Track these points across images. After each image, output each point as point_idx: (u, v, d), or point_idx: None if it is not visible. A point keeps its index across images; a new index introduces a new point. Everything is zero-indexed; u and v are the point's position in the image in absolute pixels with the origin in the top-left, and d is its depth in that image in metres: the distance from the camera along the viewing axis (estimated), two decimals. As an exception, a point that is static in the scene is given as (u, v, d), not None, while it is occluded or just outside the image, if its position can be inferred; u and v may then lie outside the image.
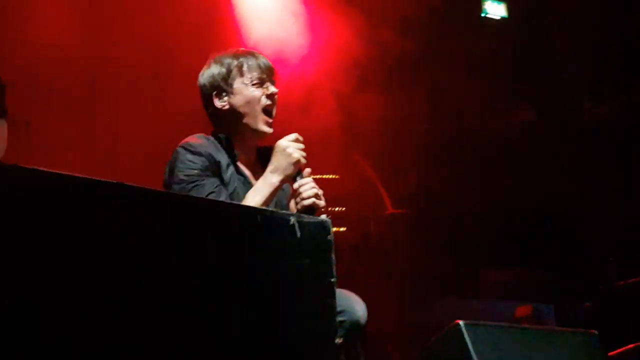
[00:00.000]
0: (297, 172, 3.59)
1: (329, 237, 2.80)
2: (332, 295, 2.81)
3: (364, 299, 3.75)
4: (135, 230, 2.44)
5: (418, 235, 7.17)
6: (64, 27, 6.27)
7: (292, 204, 3.71)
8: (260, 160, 3.86)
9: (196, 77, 3.90)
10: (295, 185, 3.60)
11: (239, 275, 2.60)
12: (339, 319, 3.50)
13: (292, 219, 2.70)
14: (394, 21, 6.80)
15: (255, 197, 3.58)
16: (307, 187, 3.58)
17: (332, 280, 2.82)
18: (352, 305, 3.62)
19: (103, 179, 2.43)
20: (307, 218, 2.78)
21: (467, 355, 4.16)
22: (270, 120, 3.78)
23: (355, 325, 3.60)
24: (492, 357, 4.20)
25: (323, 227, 2.81)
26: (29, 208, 2.26)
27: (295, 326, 2.73)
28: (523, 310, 7.76)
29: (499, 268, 8.02)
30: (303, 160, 3.60)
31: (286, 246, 2.70)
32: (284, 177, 3.58)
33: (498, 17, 7.51)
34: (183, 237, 2.49)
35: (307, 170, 3.61)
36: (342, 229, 6.90)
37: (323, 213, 3.57)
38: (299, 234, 2.71)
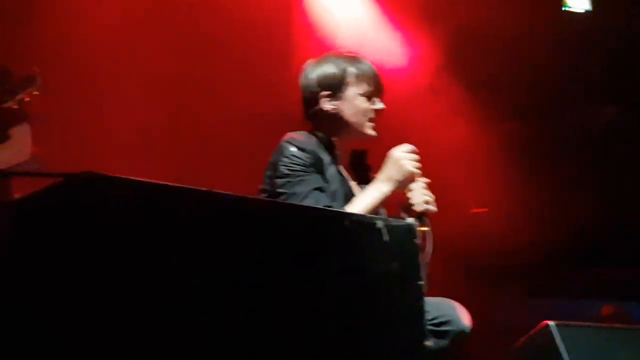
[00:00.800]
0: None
1: (416, 240, 2.79)
2: (421, 298, 2.80)
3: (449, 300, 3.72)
4: (224, 236, 2.46)
5: (502, 235, 7.09)
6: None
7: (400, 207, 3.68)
8: (354, 164, 3.85)
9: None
10: (408, 194, 3.57)
11: (328, 280, 2.61)
12: (444, 328, 3.49)
13: (380, 223, 2.69)
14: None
15: (365, 201, 3.56)
16: (419, 193, 3.53)
17: (420, 283, 2.81)
18: (457, 314, 3.58)
19: (187, 186, 2.46)
20: (394, 222, 2.77)
21: (557, 356, 4.11)
22: (374, 125, 3.77)
23: (460, 335, 3.55)
24: (583, 358, 4.14)
25: (410, 230, 2.80)
26: (110, 215, 2.29)
27: (385, 330, 2.73)
28: (608, 309, 7.63)
29: (586, 267, 7.88)
30: (416, 172, 3.56)
31: (374, 250, 2.70)
32: (394, 187, 3.55)
33: (582, 11, 7.32)
34: (271, 243, 2.50)
35: (423, 179, 3.59)
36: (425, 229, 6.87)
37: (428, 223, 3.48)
38: (386, 238, 2.70)
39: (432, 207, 3.51)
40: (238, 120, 6.54)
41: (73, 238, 2.28)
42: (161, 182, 2.40)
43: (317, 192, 3.55)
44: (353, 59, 3.82)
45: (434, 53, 6.77)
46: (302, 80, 3.84)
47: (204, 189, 2.47)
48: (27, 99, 4.73)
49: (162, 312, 2.33)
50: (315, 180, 3.59)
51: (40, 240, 2.38)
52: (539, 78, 6.96)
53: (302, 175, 3.58)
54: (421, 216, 3.47)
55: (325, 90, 3.76)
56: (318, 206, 3.44)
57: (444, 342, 3.48)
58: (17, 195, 5.36)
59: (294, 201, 3.50)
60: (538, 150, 7.34)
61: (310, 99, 3.80)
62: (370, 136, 3.77)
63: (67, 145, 6.21)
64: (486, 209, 7.33)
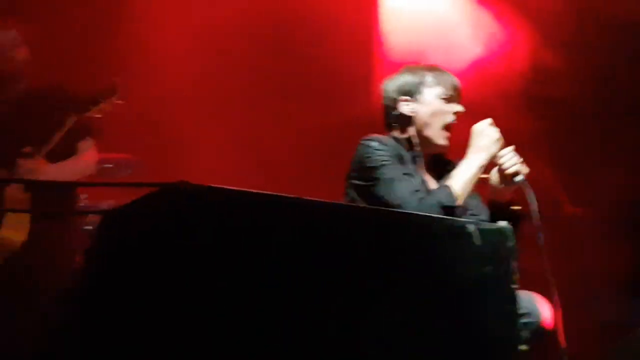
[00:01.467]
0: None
1: (510, 243, 2.76)
2: (514, 302, 2.78)
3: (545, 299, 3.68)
4: (317, 243, 2.48)
5: (597, 235, 6.94)
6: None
7: (494, 177, 3.68)
8: (433, 166, 3.86)
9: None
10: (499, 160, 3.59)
11: (420, 284, 2.61)
12: (523, 320, 3.44)
13: (471, 227, 2.68)
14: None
15: (465, 175, 3.55)
16: (508, 156, 3.56)
17: (514, 287, 2.78)
18: (537, 307, 3.55)
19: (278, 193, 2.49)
20: (485, 225, 2.76)
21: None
22: (449, 135, 3.78)
23: (541, 329, 3.52)
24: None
25: (503, 233, 2.78)
26: (203, 223, 2.34)
27: (478, 334, 2.71)
28: None
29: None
30: (505, 153, 3.58)
31: (466, 254, 2.69)
32: (488, 156, 3.57)
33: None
34: (364, 249, 2.51)
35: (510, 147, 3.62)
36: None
37: (525, 179, 3.55)
38: (478, 242, 2.68)
39: (524, 168, 3.56)
40: (325, 128, 6.56)
41: (170, 244, 2.34)
42: (252, 190, 2.44)
43: (409, 176, 3.59)
44: (431, 67, 3.90)
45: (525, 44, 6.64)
46: (383, 89, 3.91)
47: (294, 196, 2.49)
48: (109, 109, 4.81)
49: (261, 316, 2.36)
50: (401, 168, 3.62)
51: (139, 246, 2.45)
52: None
53: (388, 163, 3.60)
54: (515, 175, 3.54)
55: (403, 95, 3.82)
56: (412, 189, 3.49)
57: (524, 335, 3.44)
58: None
59: (388, 185, 3.52)
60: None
61: (390, 106, 3.85)
62: (442, 146, 3.80)
63: (158, 152, 6.32)
64: (582, 209, 7.19)
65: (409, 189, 3.51)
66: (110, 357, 2.44)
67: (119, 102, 4.85)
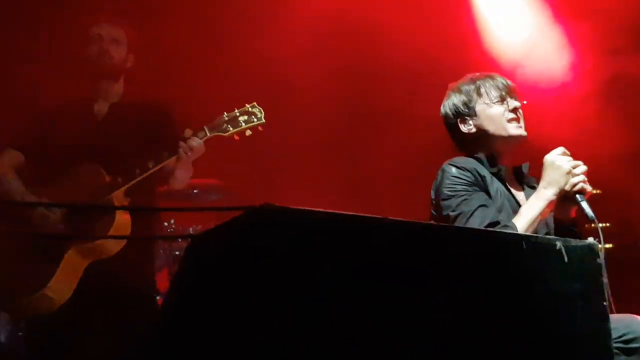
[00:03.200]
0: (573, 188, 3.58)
1: (598, 260, 2.71)
2: (606, 319, 2.71)
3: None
4: (401, 263, 2.47)
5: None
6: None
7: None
8: (517, 178, 3.88)
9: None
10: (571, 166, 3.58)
11: (509, 303, 2.58)
12: (633, 345, 3.39)
13: (559, 244, 2.64)
14: None
15: (530, 212, 3.58)
16: (579, 169, 3.56)
17: (605, 304, 2.71)
18: None
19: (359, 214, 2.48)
20: (573, 242, 2.71)
21: None
22: (520, 126, 3.78)
23: None
24: None
25: (591, 250, 2.72)
26: (287, 245, 2.34)
27: (569, 352, 2.65)
28: None
29: None
30: (575, 171, 3.57)
31: (554, 271, 2.65)
32: (558, 190, 3.55)
33: None
34: (449, 267, 2.49)
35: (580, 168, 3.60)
36: (608, 246, 6.67)
37: (589, 196, 3.56)
38: (566, 259, 2.63)
39: (588, 186, 3.56)
40: (404, 150, 6.55)
41: (256, 266, 2.35)
42: (335, 212, 2.44)
43: (482, 208, 3.61)
44: (474, 78, 3.94)
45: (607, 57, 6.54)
46: (442, 112, 3.99)
47: (377, 216, 2.49)
48: (249, 132, 4.68)
49: (350, 337, 2.36)
50: (479, 197, 3.65)
51: (226, 269, 2.47)
52: None
53: (465, 195, 3.65)
54: (580, 193, 3.54)
55: (459, 117, 3.89)
56: (485, 223, 3.53)
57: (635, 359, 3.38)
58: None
59: (460, 221, 3.58)
60: None
61: (453, 130, 3.95)
62: (517, 135, 3.82)
63: (246, 177, 6.38)
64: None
65: (479, 223, 3.54)
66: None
67: (261, 129, 4.73)
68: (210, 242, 2.60)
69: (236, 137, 4.68)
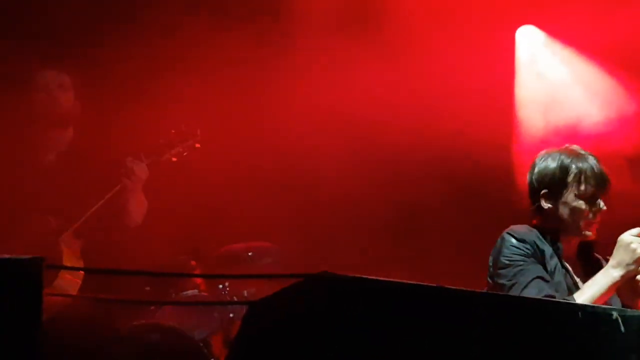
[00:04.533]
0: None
1: (653, 331, 2.68)
2: (663, 390, 2.68)
3: None
4: (456, 330, 2.47)
5: None
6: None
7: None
8: (581, 255, 3.80)
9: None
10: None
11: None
12: None
13: (615, 314, 2.62)
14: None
15: (593, 288, 3.52)
16: None
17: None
18: None
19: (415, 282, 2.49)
20: (629, 312, 2.69)
21: None
22: (592, 230, 3.71)
23: None
24: None
25: (647, 320, 2.70)
26: (344, 312, 2.35)
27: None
28: None
29: None
30: None
31: (610, 342, 2.62)
32: (625, 272, 3.49)
33: None
34: (504, 338, 2.48)
35: None
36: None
37: None
38: (623, 329, 2.62)
39: None
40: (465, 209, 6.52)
41: (317, 333, 2.36)
42: (392, 280, 2.46)
43: (538, 280, 3.56)
44: (577, 156, 3.78)
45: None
46: (528, 175, 3.87)
47: (432, 284, 2.50)
48: (185, 153, 4.71)
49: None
50: (536, 269, 3.60)
51: (285, 335, 2.49)
52: None
53: (522, 265, 3.61)
54: None
55: (545, 189, 3.77)
56: (540, 295, 3.46)
57: None
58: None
59: (515, 291, 3.54)
60: None
61: (534, 195, 3.83)
62: (586, 237, 3.72)
63: (296, 239, 6.37)
64: None
65: (536, 294, 3.48)
66: None
67: (198, 145, 4.75)
68: (269, 308, 2.63)
69: (174, 159, 4.72)
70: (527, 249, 3.64)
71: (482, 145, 6.00)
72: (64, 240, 4.42)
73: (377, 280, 2.40)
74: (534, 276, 3.57)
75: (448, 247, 6.48)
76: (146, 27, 5.96)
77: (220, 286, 5.74)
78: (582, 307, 2.73)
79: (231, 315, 5.60)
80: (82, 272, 4.42)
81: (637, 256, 3.47)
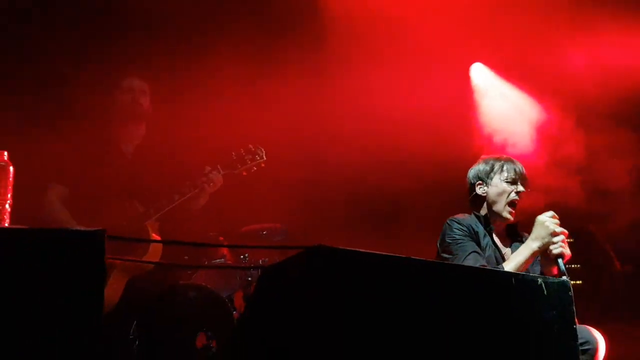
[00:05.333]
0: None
1: (570, 293, 2.69)
2: (576, 339, 2.69)
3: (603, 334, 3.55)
4: (421, 293, 2.47)
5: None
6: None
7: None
8: (509, 235, 3.87)
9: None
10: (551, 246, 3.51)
11: (501, 326, 2.56)
12: (585, 347, 3.36)
13: (540, 280, 2.63)
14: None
15: (517, 258, 3.55)
16: (557, 243, 3.48)
17: (575, 327, 2.69)
18: (593, 337, 3.45)
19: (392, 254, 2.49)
20: (551, 279, 2.70)
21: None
22: (513, 211, 3.78)
23: (595, 353, 3.41)
24: None
25: (564, 285, 2.72)
26: (337, 279, 2.34)
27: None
28: None
29: None
30: (558, 230, 3.51)
31: (536, 301, 2.63)
32: (542, 244, 3.51)
33: None
34: (456, 298, 2.48)
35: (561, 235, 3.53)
36: (578, 282, 6.57)
37: (567, 260, 3.48)
38: (545, 292, 2.62)
39: (567, 251, 3.48)
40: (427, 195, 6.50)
41: (311, 293, 2.35)
42: (373, 252, 2.45)
43: (475, 253, 3.62)
44: (499, 157, 3.94)
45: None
46: (467, 176, 3.99)
47: (405, 256, 2.49)
48: (254, 169, 4.48)
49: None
50: (472, 246, 3.66)
51: (289, 293, 2.48)
52: None
53: (461, 243, 3.67)
54: (557, 258, 3.45)
55: (479, 180, 3.90)
56: (477, 265, 3.52)
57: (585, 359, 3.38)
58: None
59: (457, 261, 3.58)
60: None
61: (471, 189, 3.93)
62: (506, 218, 3.80)
63: (303, 222, 6.37)
64: (630, 266, 6.85)
65: (472, 265, 3.53)
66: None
67: (263, 165, 4.53)
68: (277, 272, 2.64)
69: (244, 174, 4.52)
70: (465, 230, 3.70)
71: (444, 148, 6.02)
72: (149, 224, 4.34)
73: (360, 252, 2.40)
74: (471, 250, 3.62)
75: (416, 227, 6.48)
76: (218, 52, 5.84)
77: (242, 257, 5.76)
78: (516, 275, 2.73)
79: (249, 278, 5.61)
80: (160, 246, 4.37)
81: (550, 231, 3.49)
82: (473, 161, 4.04)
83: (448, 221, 3.77)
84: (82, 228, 4.15)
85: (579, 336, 3.27)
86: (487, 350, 2.50)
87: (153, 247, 4.32)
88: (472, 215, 3.84)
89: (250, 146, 4.53)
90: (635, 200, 6.31)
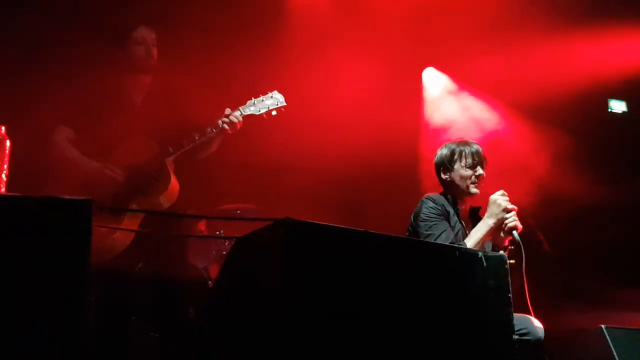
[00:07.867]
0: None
1: (506, 266, 2.74)
2: (510, 305, 2.74)
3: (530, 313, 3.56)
4: (384, 263, 2.48)
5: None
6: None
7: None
8: (471, 216, 3.87)
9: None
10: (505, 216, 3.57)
11: (446, 293, 2.60)
12: (526, 337, 3.39)
13: (480, 254, 2.67)
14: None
15: (476, 234, 3.59)
16: (511, 217, 3.54)
17: (509, 295, 2.73)
18: (534, 326, 3.46)
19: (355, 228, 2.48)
20: (490, 253, 2.74)
21: (609, 355, 3.81)
22: (477, 185, 3.79)
23: (538, 342, 3.42)
24: (633, 356, 3.82)
25: (501, 259, 2.77)
26: (303, 248, 2.34)
27: (484, 326, 2.68)
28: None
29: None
30: (509, 206, 3.56)
31: (477, 272, 2.68)
32: (496, 220, 3.56)
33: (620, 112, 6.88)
34: (412, 268, 2.51)
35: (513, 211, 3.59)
36: (511, 261, 6.66)
37: (520, 231, 3.54)
38: (485, 264, 2.66)
39: (519, 225, 3.54)
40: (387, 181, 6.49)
41: (279, 259, 2.34)
42: (337, 225, 2.45)
43: (446, 232, 3.63)
44: (462, 142, 3.90)
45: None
46: (434, 160, 3.95)
47: (368, 230, 2.49)
48: (274, 113, 4.04)
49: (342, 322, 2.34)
50: (444, 225, 3.67)
51: (258, 260, 2.47)
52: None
53: (435, 221, 3.66)
54: (512, 230, 3.52)
55: (442, 166, 3.87)
56: (448, 242, 3.55)
57: (527, 348, 3.38)
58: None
59: (431, 238, 3.59)
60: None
61: (437, 173, 3.92)
62: (473, 193, 3.79)
63: (273, 202, 6.28)
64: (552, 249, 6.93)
65: (444, 241, 3.56)
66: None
67: (283, 110, 4.11)
68: (249, 242, 2.63)
69: (264, 116, 4.12)
70: (438, 209, 3.69)
71: (398, 143, 6.01)
72: (167, 162, 3.97)
73: (324, 225, 2.41)
74: (444, 229, 3.63)
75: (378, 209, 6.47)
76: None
77: (217, 232, 5.72)
78: (459, 248, 2.76)
79: (224, 252, 5.58)
80: (177, 186, 4.01)
81: (502, 207, 3.54)
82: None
83: (423, 199, 3.76)
84: (95, 164, 3.96)
85: (521, 326, 3.35)
86: (434, 314, 2.55)
87: (171, 186, 3.99)
88: (443, 197, 3.82)
89: (269, 93, 4.19)
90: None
